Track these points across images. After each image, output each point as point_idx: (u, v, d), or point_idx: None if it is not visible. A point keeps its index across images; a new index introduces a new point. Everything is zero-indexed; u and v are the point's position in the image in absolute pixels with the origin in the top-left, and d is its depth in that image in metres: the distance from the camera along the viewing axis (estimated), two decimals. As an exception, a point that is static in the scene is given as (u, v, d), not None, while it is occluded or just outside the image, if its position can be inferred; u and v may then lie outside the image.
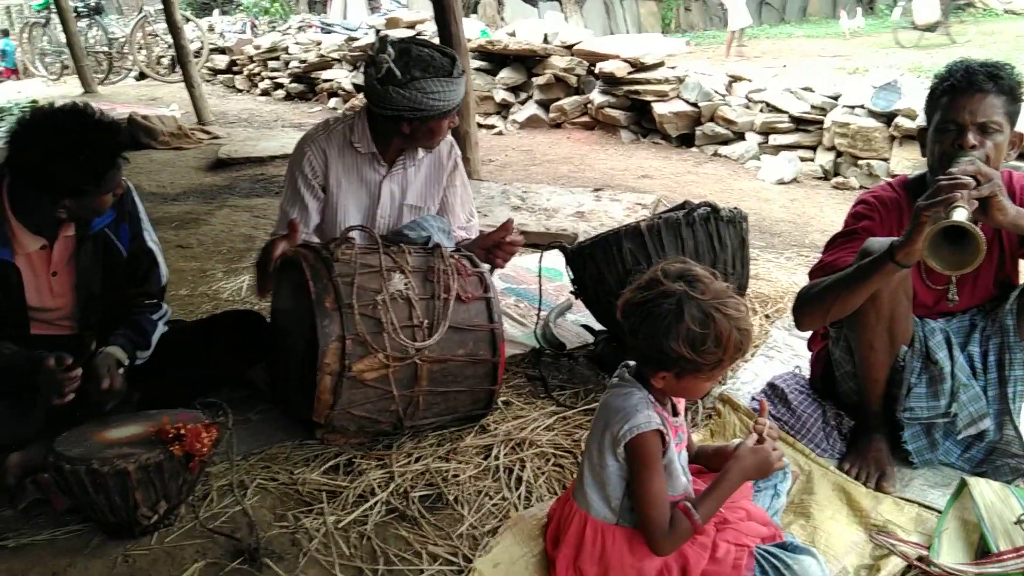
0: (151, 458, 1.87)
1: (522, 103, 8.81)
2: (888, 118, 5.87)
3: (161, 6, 9.02)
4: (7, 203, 2.15)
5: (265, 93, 12.01)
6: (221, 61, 13.45)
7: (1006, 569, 1.73)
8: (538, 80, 8.55)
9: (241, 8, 20.19)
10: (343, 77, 10.49)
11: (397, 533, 1.96)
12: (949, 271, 1.79)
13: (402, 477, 2.15)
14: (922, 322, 2.15)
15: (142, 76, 13.07)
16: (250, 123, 9.40)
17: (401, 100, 2.37)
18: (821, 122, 6.37)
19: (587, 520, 1.67)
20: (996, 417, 2.14)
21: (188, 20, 12.92)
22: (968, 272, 1.78)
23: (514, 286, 3.60)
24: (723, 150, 7.08)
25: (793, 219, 5.15)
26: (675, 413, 1.71)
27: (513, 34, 8.84)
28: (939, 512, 1.98)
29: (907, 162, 5.57)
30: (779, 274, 3.74)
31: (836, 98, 6.33)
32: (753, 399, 2.49)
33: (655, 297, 1.56)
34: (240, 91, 12.66)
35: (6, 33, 17.03)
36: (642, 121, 7.89)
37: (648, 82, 7.60)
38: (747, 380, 2.64)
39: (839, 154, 6.25)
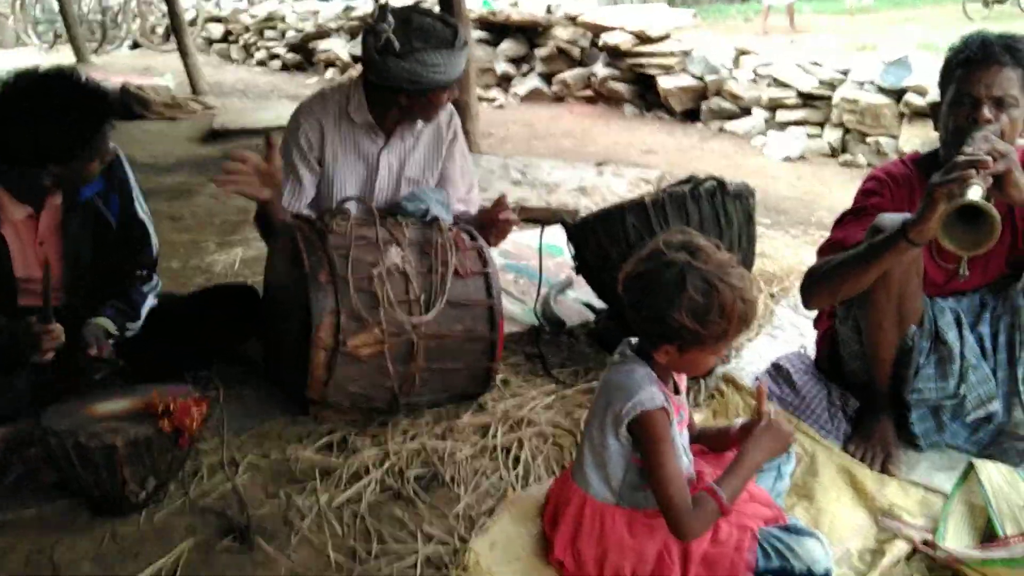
0: (139, 433, 1.83)
1: (524, 75, 8.69)
2: (898, 95, 5.77)
3: (157, -27, 8.88)
4: (-8, 169, 2.10)
5: (261, 63, 11.86)
6: (217, 30, 13.24)
7: (1013, 554, 1.70)
8: (540, 52, 8.43)
9: (240, -23, 19.97)
10: (340, 47, 10.34)
11: (391, 513, 1.92)
12: (963, 251, 1.75)
13: (397, 455, 2.11)
14: (931, 301, 2.11)
15: (136, 45, 12.90)
16: (245, 94, 9.29)
17: (400, 72, 2.29)
18: (829, 98, 6.27)
19: (586, 500, 1.63)
20: (1005, 399, 2.09)
21: (185, -12, 12.76)
22: (981, 253, 1.73)
23: (514, 262, 3.54)
24: (729, 125, 6.98)
25: (800, 196, 5.08)
26: (677, 391, 1.66)
27: (515, 4, 8.70)
28: (946, 495, 1.94)
29: (916, 139, 5.48)
30: (785, 252, 3.69)
31: (846, 73, 6.23)
32: (756, 379, 2.44)
33: (657, 267, 1.52)
34: (236, 61, 12.49)
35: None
36: (646, 95, 7.77)
37: (653, 55, 7.48)
38: (751, 360, 2.60)
39: (847, 131, 6.15)
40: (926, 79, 5.52)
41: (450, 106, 2.61)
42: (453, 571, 1.70)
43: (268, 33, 11.90)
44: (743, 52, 7.19)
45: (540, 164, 5.19)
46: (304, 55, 11.13)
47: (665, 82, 7.37)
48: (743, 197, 2.56)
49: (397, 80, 2.31)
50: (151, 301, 2.39)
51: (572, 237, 2.69)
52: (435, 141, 2.63)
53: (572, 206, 4.21)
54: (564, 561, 1.65)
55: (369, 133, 2.51)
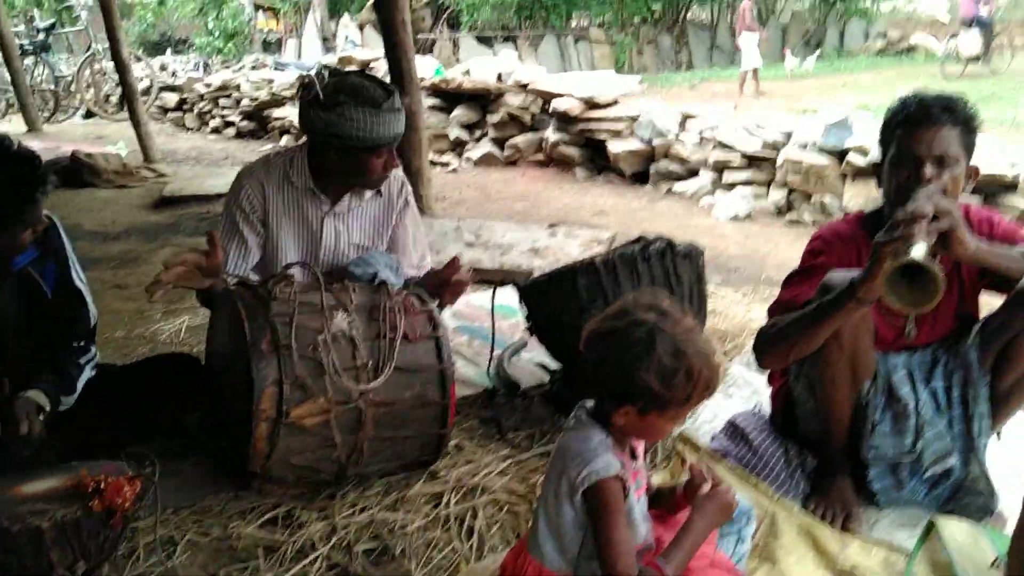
0: (67, 514, 1.71)
1: (477, 140, 8.78)
2: (840, 155, 5.93)
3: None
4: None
5: (215, 131, 11.83)
6: (171, 99, 13.25)
7: (979, 614, 1.66)
8: (492, 118, 8.54)
9: (194, 48, 20.08)
10: (295, 115, 10.35)
11: (339, 591, 1.82)
12: (908, 309, 1.75)
13: (345, 529, 2.01)
14: (884, 357, 2.10)
15: (89, 114, 12.79)
16: (199, 161, 9.22)
17: (320, 123, 2.30)
18: (774, 160, 6.43)
19: (541, 572, 1.56)
20: (962, 454, 2.08)
21: (138, 59, 12.75)
22: (926, 311, 1.73)
23: (467, 324, 3.49)
24: (677, 187, 7.10)
25: (748, 255, 5.15)
26: (634, 456, 1.62)
27: (468, 72, 8.84)
28: (908, 554, 1.90)
29: (860, 198, 5.62)
30: (736, 309, 3.70)
31: (789, 135, 6.40)
32: (713, 439, 2.41)
33: (626, 326, 1.50)
34: (190, 129, 12.46)
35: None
36: (597, 159, 7.90)
37: (602, 120, 7.63)
38: (707, 419, 2.56)
39: (792, 191, 6.29)
40: (867, 139, 5.68)
41: (401, 174, 2.60)
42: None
43: (223, 101, 11.90)
44: (688, 116, 7.36)
45: (493, 226, 5.20)
46: (258, 122, 11.13)
47: (614, 146, 7.50)
48: (692, 257, 2.56)
49: (321, 133, 2.32)
50: (88, 373, 2.28)
51: (524, 298, 2.67)
52: (385, 208, 2.60)
53: (526, 267, 4.20)
54: (520, 637, 1.56)
55: (313, 198, 2.47)
